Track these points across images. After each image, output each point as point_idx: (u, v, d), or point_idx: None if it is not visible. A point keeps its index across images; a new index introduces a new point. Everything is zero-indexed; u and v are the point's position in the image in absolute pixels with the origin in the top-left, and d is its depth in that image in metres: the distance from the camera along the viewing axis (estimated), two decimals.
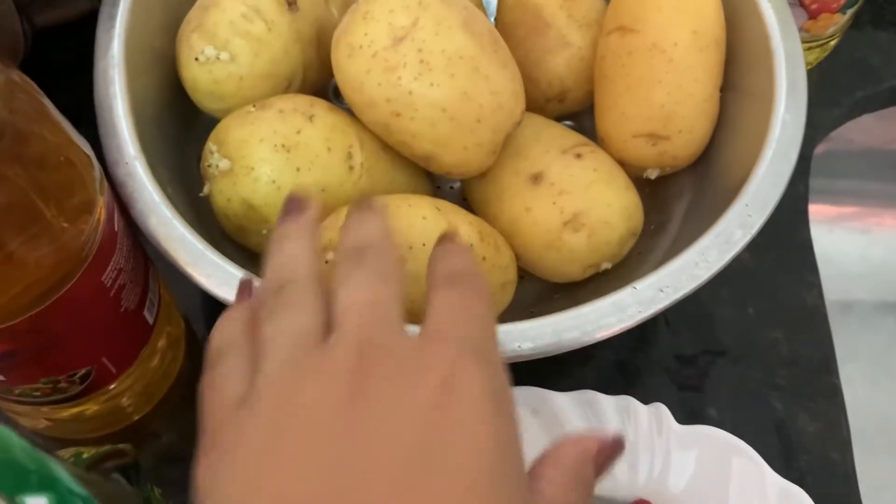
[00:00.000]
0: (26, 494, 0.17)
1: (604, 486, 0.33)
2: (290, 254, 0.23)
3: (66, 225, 0.25)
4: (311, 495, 0.17)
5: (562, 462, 0.22)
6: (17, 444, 0.16)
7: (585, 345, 0.29)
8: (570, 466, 0.22)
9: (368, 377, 0.18)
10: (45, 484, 0.16)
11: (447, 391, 0.18)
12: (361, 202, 0.25)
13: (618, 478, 0.33)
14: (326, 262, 0.28)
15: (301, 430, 0.18)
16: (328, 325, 0.20)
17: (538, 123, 0.39)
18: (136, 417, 0.37)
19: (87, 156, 0.26)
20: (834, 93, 0.49)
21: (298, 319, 0.21)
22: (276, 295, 0.22)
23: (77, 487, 0.16)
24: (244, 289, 0.25)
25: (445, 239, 0.25)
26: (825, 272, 0.46)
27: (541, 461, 0.22)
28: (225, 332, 0.22)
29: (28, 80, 0.25)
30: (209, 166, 0.34)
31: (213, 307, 0.41)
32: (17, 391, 0.29)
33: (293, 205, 0.25)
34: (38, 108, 0.25)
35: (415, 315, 0.23)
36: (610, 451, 0.23)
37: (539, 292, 0.39)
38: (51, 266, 0.25)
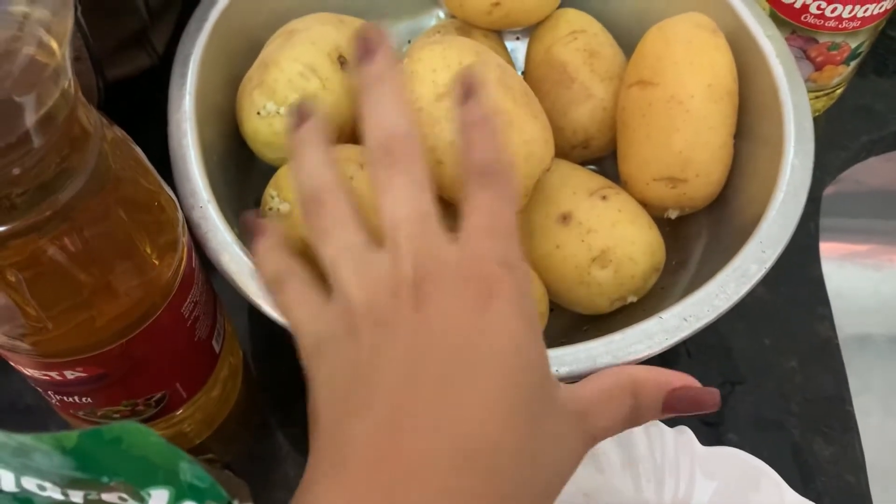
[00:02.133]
0: (151, 487, 0.20)
1: (629, 495, 0.36)
2: (313, 162, 0.27)
3: (156, 262, 0.28)
4: (385, 377, 0.22)
5: (629, 373, 0.26)
6: (154, 441, 0.19)
7: None
8: (635, 378, 0.25)
9: (425, 290, 0.23)
10: (168, 478, 0.19)
11: (485, 298, 0.23)
12: (370, 71, 0.27)
13: (645, 497, 0.36)
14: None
15: (380, 328, 0.23)
16: (377, 234, 0.25)
17: (565, 168, 0.42)
18: (196, 442, 0.39)
19: (173, 200, 0.30)
20: (841, 137, 0.52)
21: (351, 237, 0.25)
22: (317, 206, 0.26)
23: (198, 481, 0.19)
24: (257, 224, 0.29)
25: (468, 93, 0.27)
26: (839, 307, 0.48)
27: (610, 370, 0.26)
28: (274, 260, 0.27)
29: (125, 133, 0.28)
30: (270, 209, 0.37)
31: (258, 341, 0.44)
32: (99, 413, 0.32)
33: (301, 113, 0.28)
34: (136, 159, 0.28)
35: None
36: (694, 397, 0.26)
37: (569, 324, 0.42)
38: (142, 297, 0.28)
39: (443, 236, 0.24)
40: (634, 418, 0.26)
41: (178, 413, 0.35)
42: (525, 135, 0.37)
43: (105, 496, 0.20)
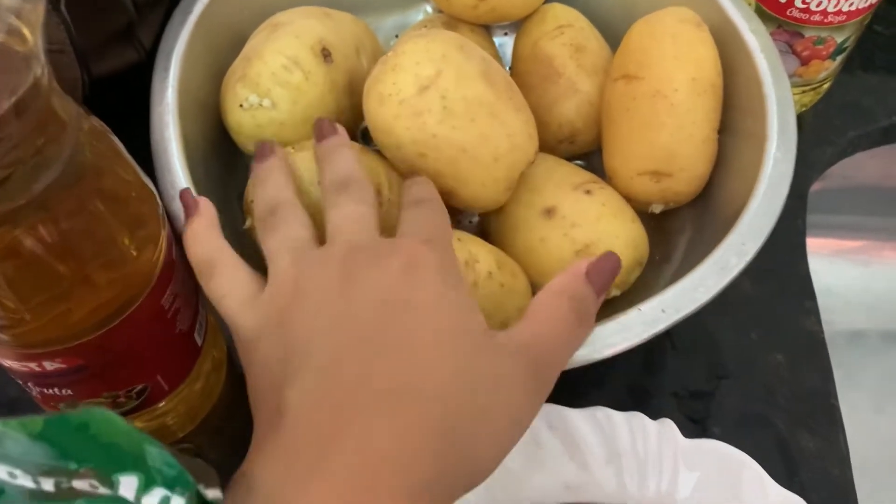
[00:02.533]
0: (121, 474, 0.20)
1: (615, 497, 0.36)
2: (275, 184, 0.30)
3: (135, 253, 0.28)
4: (316, 344, 0.24)
5: (547, 288, 0.28)
6: (121, 427, 0.19)
7: (594, 361, 0.32)
8: (555, 288, 0.28)
9: (354, 265, 0.25)
10: (138, 464, 0.19)
11: (410, 267, 0.25)
12: (327, 144, 0.33)
13: (628, 489, 0.36)
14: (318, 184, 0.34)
15: (310, 302, 0.25)
16: (320, 239, 0.28)
17: (550, 162, 0.42)
18: (180, 435, 0.39)
19: (153, 192, 0.30)
20: (828, 133, 0.52)
21: (295, 231, 0.28)
22: (271, 215, 0.29)
23: (167, 468, 0.19)
24: (192, 202, 0.31)
25: (410, 173, 0.33)
26: (828, 304, 0.48)
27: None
28: (207, 243, 0.30)
29: (104, 124, 0.28)
30: (251, 202, 0.37)
31: None
32: (80, 405, 0.32)
33: (264, 150, 0.33)
34: (114, 150, 0.28)
35: None
36: (602, 265, 0.28)
37: None
38: (121, 288, 0.28)
39: (377, 231, 0.28)
40: (578, 317, 0.27)
41: (160, 406, 0.35)
42: (508, 127, 0.37)
43: (76, 483, 0.20)
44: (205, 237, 0.30)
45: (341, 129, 0.34)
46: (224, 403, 0.41)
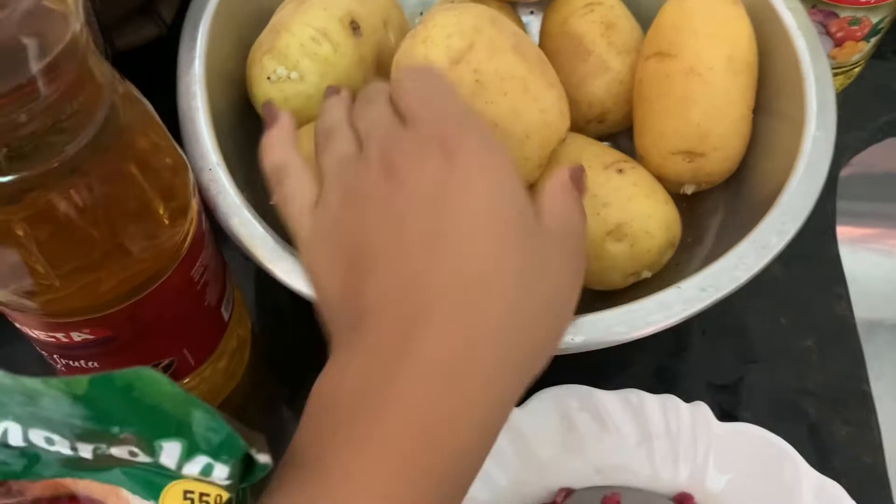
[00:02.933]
0: (163, 440, 0.19)
1: (646, 481, 0.35)
2: (331, 114, 0.31)
3: (167, 222, 0.28)
4: (377, 243, 0.25)
5: (557, 182, 0.29)
6: (167, 389, 0.18)
7: (633, 339, 0.31)
8: (562, 183, 0.29)
9: (392, 167, 0.26)
10: (182, 429, 0.19)
11: (448, 155, 0.25)
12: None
13: (660, 473, 0.35)
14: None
15: (362, 208, 0.26)
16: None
17: (581, 142, 0.41)
18: None
19: (185, 161, 0.29)
20: (858, 118, 0.52)
21: (342, 147, 0.28)
22: (325, 138, 0.29)
23: (213, 433, 0.19)
24: (274, 112, 0.32)
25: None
26: (852, 291, 0.47)
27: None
28: (280, 151, 0.30)
29: (139, 91, 0.28)
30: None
31: (266, 315, 0.43)
32: None
33: (330, 90, 0.33)
34: (148, 116, 0.27)
35: None
36: (575, 174, 0.29)
37: (581, 300, 0.41)
38: (152, 258, 0.28)
39: (403, 128, 0.27)
40: (583, 209, 0.29)
41: (185, 382, 0.35)
42: (541, 103, 0.36)
43: (114, 450, 0.20)
44: (279, 146, 0.31)
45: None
46: (245, 384, 0.40)
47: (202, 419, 0.19)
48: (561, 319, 0.26)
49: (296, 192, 0.28)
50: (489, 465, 0.35)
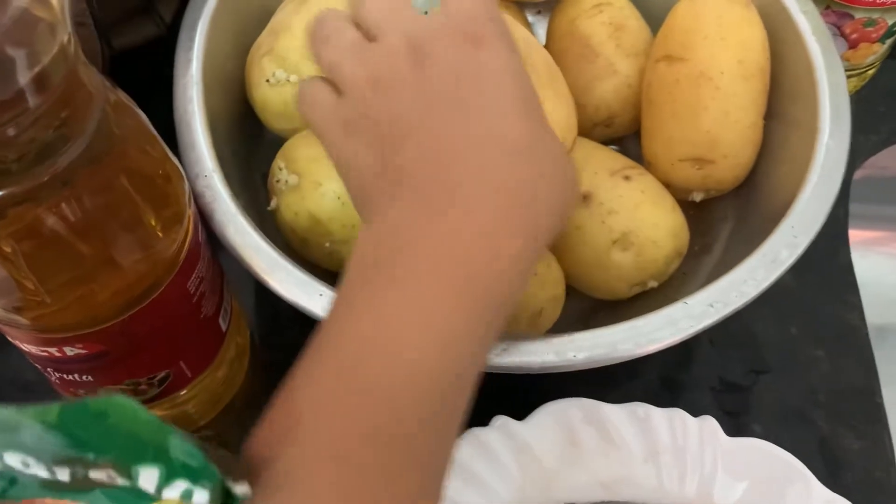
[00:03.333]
0: (140, 465, 0.18)
1: (653, 496, 0.35)
2: (329, 13, 0.29)
3: (160, 234, 0.27)
4: (408, 122, 0.26)
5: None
6: (143, 417, 0.18)
7: (638, 356, 0.31)
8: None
9: (421, 51, 0.26)
10: (159, 455, 0.18)
11: (475, 44, 0.27)
12: None
13: (667, 488, 0.34)
14: None
15: (390, 92, 0.26)
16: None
17: (587, 147, 0.40)
18: (201, 423, 0.38)
19: (179, 170, 0.28)
20: (872, 120, 0.50)
21: (348, 36, 0.28)
22: (319, 27, 0.29)
23: (190, 459, 0.18)
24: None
25: None
26: (863, 296, 0.46)
27: None
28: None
29: (131, 99, 0.27)
30: (277, 181, 0.36)
31: (265, 322, 0.43)
32: (101, 392, 0.31)
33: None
34: (140, 125, 0.27)
35: None
36: None
37: (583, 310, 0.41)
38: (145, 271, 0.27)
39: (423, 16, 0.28)
40: None
41: (182, 393, 0.34)
42: (548, 115, 0.35)
43: (93, 473, 0.19)
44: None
45: None
46: (245, 391, 0.40)
47: (179, 446, 0.18)
48: (568, 180, 0.28)
49: (317, 95, 0.28)
50: (492, 478, 0.34)
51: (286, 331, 0.43)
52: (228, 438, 0.39)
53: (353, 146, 0.27)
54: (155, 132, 0.28)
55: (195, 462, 0.19)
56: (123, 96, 0.26)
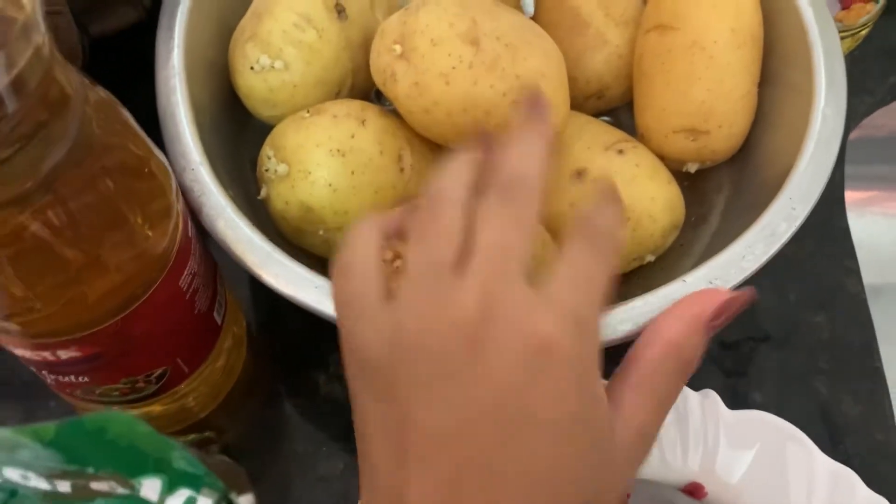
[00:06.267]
0: (142, 476, 0.18)
1: (656, 471, 0.35)
2: (452, 174, 0.24)
3: (149, 232, 0.26)
4: (441, 428, 0.21)
5: (660, 336, 0.25)
6: (142, 430, 0.17)
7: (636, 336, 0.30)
8: (671, 338, 0.25)
9: (484, 335, 0.21)
10: (160, 466, 0.18)
11: (540, 353, 0.21)
12: (530, 102, 0.26)
13: (670, 462, 0.34)
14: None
15: (425, 375, 0.21)
16: (464, 251, 0.23)
17: (580, 121, 0.40)
18: (202, 415, 0.38)
19: (165, 166, 0.28)
20: (867, 81, 0.50)
21: (440, 248, 0.23)
22: (427, 208, 0.24)
23: (192, 468, 0.18)
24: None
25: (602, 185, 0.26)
26: (861, 257, 0.46)
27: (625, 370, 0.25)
28: (361, 245, 0.24)
29: (112, 95, 0.26)
30: (266, 171, 0.35)
31: (262, 310, 0.42)
32: (98, 391, 0.31)
33: (480, 137, 0.26)
34: (123, 122, 0.26)
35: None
36: (731, 311, 0.25)
37: None
38: (136, 272, 0.27)
39: (520, 275, 0.22)
40: (684, 381, 0.25)
41: (181, 388, 0.34)
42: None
43: (94, 485, 0.19)
44: (357, 244, 0.25)
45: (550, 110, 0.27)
46: (244, 380, 0.39)
47: (180, 456, 0.18)
48: None
49: (357, 293, 0.23)
50: None
51: (284, 318, 0.43)
52: (229, 434, 0.39)
53: (370, 402, 0.22)
54: (139, 129, 0.27)
55: (197, 470, 0.19)
56: (104, 93, 0.26)
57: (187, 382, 0.33)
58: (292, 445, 0.40)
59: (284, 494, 0.38)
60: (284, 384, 0.41)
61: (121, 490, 0.19)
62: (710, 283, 0.31)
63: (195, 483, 0.19)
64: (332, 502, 0.33)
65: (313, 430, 0.39)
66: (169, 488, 0.19)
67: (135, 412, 0.34)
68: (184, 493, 0.19)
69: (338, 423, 0.39)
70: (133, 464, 0.18)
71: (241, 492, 0.19)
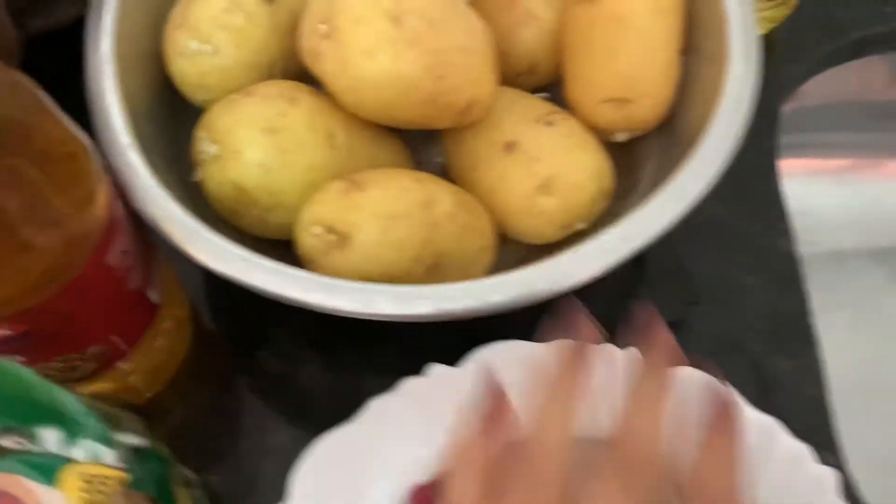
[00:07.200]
0: (39, 426, 0.19)
1: (587, 431, 0.36)
2: (552, 422, 0.26)
3: (71, 212, 0.27)
4: None
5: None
6: (29, 378, 0.18)
7: (557, 295, 0.31)
8: None
9: None
10: (56, 416, 0.19)
11: None
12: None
13: (598, 419, 0.36)
14: None
15: None
16: None
17: (511, 95, 0.41)
18: (148, 395, 0.39)
19: (86, 147, 0.29)
20: (800, 49, 0.51)
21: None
22: (527, 464, 0.24)
23: (87, 418, 0.19)
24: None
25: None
26: (806, 224, 0.47)
27: None
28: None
29: (28, 78, 0.27)
30: (200, 153, 0.36)
31: (214, 293, 0.43)
32: (35, 368, 0.31)
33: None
34: (40, 105, 0.27)
35: None
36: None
37: (521, 256, 0.41)
38: (61, 251, 0.27)
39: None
40: None
41: (121, 366, 0.35)
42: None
43: (2, 441, 0.20)
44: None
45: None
46: (190, 363, 0.40)
47: (72, 404, 0.19)
48: None
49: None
50: (429, 426, 0.35)
51: (237, 301, 0.43)
52: (178, 412, 0.40)
53: None
54: (57, 110, 0.28)
55: (94, 420, 0.19)
56: (18, 76, 0.26)
57: (126, 361, 0.34)
58: (247, 423, 0.41)
59: (235, 467, 0.39)
60: (238, 364, 0.42)
61: (30, 446, 0.20)
62: (624, 240, 0.32)
63: (98, 435, 0.20)
64: (281, 472, 0.34)
65: (260, 406, 0.40)
66: (70, 438, 0.20)
67: (83, 391, 0.35)
68: (87, 445, 0.20)
69: (280, 397, 0.41)
70: (27, 413, 0.19)
71: (126, 430, 0.20)
